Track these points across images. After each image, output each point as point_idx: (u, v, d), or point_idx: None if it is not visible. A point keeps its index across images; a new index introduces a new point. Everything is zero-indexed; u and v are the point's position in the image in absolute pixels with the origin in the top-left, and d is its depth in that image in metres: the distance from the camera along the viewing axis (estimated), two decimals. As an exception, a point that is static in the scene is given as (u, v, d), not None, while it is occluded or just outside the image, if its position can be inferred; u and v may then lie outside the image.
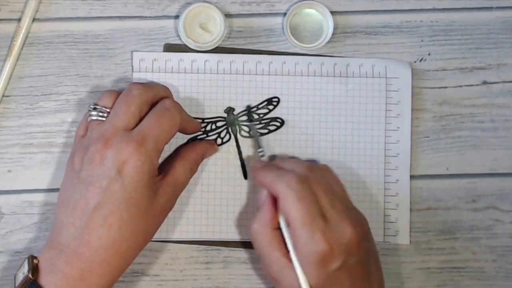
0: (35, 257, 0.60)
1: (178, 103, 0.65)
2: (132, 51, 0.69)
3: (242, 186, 0.69)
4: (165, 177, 0.62)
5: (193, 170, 0.65)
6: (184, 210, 0.68)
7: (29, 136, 0.68)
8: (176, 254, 0.69)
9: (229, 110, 0.69)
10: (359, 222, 0.62)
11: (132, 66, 0.69)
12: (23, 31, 0.68)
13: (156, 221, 0.62)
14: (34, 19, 0.68)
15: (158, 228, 0.63)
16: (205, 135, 0.69)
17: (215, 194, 0.69)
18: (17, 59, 0.68)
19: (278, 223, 0.62)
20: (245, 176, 0.69)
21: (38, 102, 0.69)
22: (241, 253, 0.69)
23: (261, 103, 0.69)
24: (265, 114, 0.69)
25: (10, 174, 0.68)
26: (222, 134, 0.69)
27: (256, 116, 0.69)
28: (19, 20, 0.68)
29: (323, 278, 0.59)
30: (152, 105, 0.64)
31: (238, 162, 0.68)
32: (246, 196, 0.69)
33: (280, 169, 0.63)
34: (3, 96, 0.68)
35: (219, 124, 0.69)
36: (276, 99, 0.69)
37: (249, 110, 0.69)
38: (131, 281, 0.68)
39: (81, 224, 0.59)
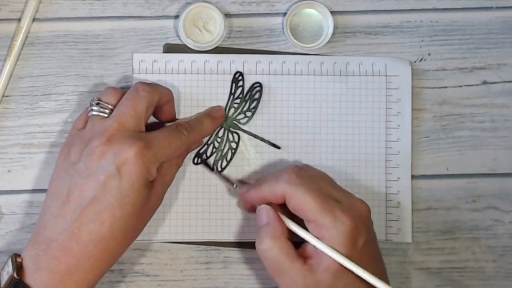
0: (19, 255, 0.59)
1: (196, 128, 0.65)
2: (132, 53, 0.69)
3: (242, 186, 0.69)
4: (156, 177, 0.62)
5: (179, 165, 0.65)
6: (184, 211, 0.68)
7: (29, 136, 0.68)
8: (176, 254, 0.69)
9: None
10: (360, 198, 0.63)
11: (132, 67, 0.69)
12: (23, 31, 0.68)
13: (145, 220, 0.62)
14: (34, 19, 0.69)
15: (145, 225, 0.63)
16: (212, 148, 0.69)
17: (216, 194, 0.68)
18: (17, 59, 0.68)
19: (289, 232, 0.61)
20: (278, 147, 0.69)
21: (38, 102, 0.69)
22: (241, 253, 0.69)
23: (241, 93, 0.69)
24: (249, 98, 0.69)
25: (10, 174, 0.68)
26: (231, 138, 0.69)
27: (238, 100, 0.69)
28: (19, 20, 0.68)
29: (354, 258, 0.59)
30: (157, 107, 0.64)
31: (239, 162, 0.68)
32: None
33: (268, 180, 0.63)
34: (3, 96, 0.68)
35: (220, 134, 0.69)
36: (257, 84, 0.69)
37: (232, 101, 0.69)
38: (131, 281, 0.68)
39: (73, 218, 0.58)
